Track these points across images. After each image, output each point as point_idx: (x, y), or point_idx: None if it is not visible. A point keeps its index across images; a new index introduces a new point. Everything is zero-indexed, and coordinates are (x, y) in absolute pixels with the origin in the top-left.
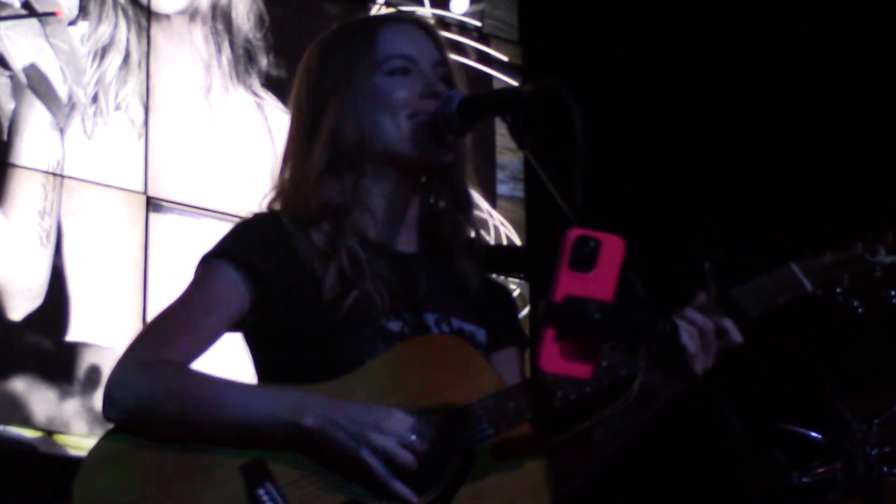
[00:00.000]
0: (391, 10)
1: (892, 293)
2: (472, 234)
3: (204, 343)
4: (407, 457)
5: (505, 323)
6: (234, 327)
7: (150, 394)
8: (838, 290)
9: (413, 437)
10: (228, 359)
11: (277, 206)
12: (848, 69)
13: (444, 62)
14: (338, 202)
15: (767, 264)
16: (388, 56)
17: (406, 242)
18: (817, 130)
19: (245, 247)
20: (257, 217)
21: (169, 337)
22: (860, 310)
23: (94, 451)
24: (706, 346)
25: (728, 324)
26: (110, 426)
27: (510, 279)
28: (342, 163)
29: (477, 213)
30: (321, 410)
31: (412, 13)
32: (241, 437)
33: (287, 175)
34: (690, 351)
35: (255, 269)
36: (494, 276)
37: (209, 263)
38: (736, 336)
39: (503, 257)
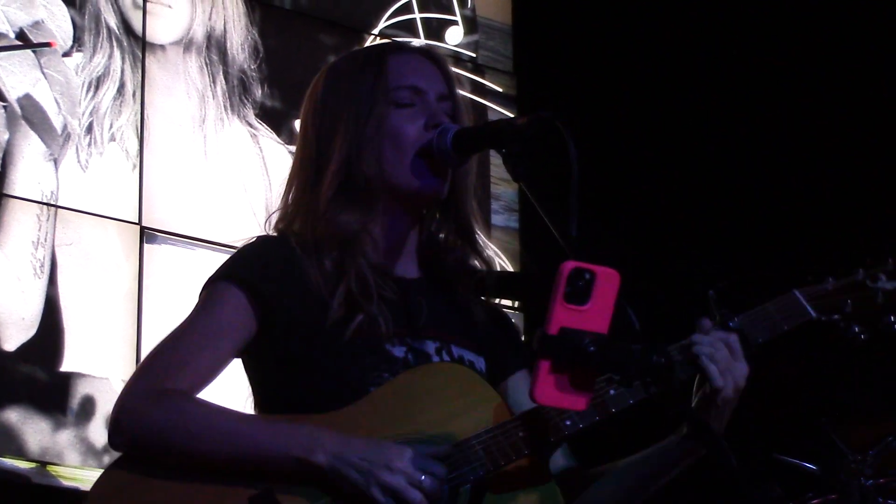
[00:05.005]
0: (386, 41)
1: (894, 319)
2: (474, 263)
3: (212, 369)
4: (416, 495)
5: (509, 349)
6: (241, 353)
7: (158, 424)
8: (843, 316)
9: (422, 477)
10: (226, 384)
11: (282, 227)
12: (845, 90)
13: (451, 95)
14: (349, 231)
15: (770, 291)
16: (397, 86)
17: (406, 269)
18: (816, 156)
19: (251, 269)
20: (263, 239)
21: (177, 364)
22: (862, 336)
23: (101, 481)
24: (733, 357)
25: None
26: (105, 456)
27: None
28: (353, 192)
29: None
30: (332, 447)
31: (427, 45)
32: (250, 470)
33: (294, 199)
34: (716, 369)
35: (261, 292)
36: (492, 300)
37: (215, 286)
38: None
39: (500, 283)
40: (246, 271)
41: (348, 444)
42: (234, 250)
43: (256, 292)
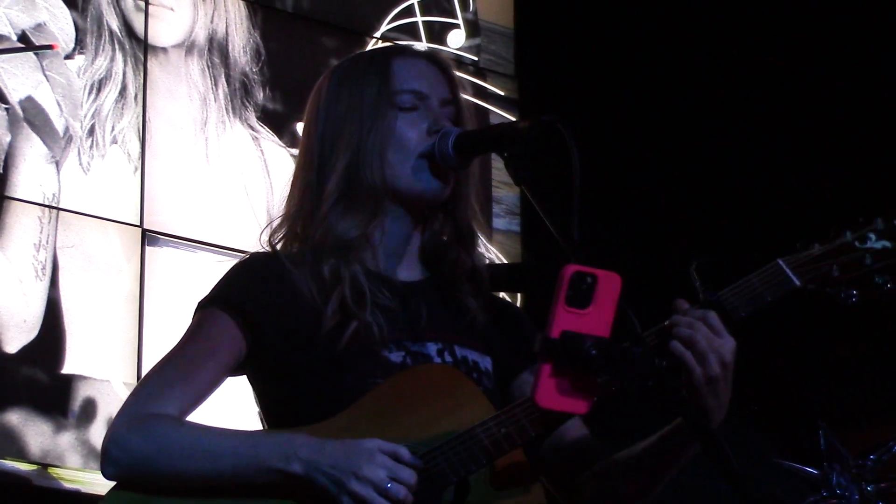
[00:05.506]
0: (388, 44)
1: (885, 279)
2: (476, 266)
3: (201, 393)
4: None
5: (517, 347)
6: (234, 372)
7: (143, 450)
8: (831, 281)
9: (389, 485)
10: (233, 400)
11: (280, 236)
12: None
13: (455, 100)
14: (348, 237)
15: (755, 263)
16: (400, 90)
17: (408, 272)
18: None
19: (240, 291)
20: (254, 257)
21: (164, 390)
22: (854, 299)
23: None
24: (715, 334)
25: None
26: (105, 457)
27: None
28: (355, 196)
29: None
30: (307, 455)
31: (431, 49)
32: (235, 487)
33: (296, 203)
34: (691, 356)
35: (249, 314)
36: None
37: (204, 311)
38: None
39: (497, 275)
40: (234, 294)
41: (321, 451)
42: (236, 253)
43: (244, 314)
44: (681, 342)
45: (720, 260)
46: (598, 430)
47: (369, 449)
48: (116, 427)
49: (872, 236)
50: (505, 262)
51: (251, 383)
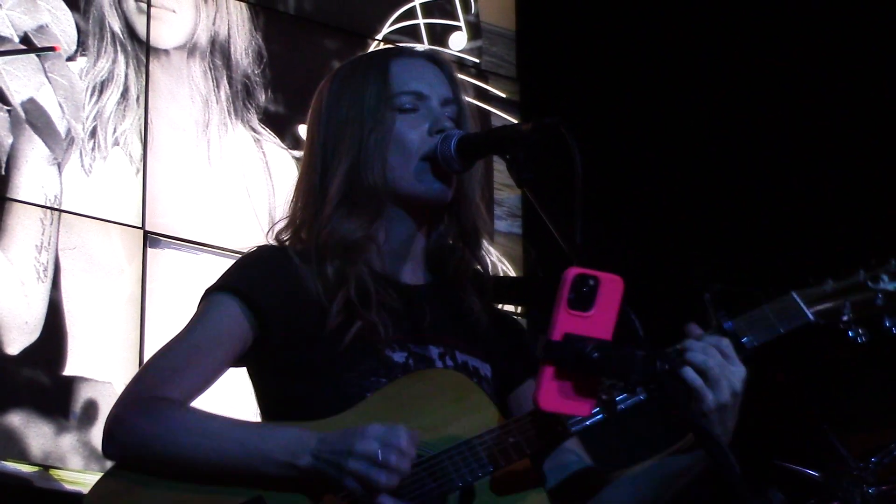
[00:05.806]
0: (390, 46)
1: (894, 322)
2: (480, 268)
3: (206, 379)
4: (381, 477)
5: (517, 357)
6: (237, 362)
7: (148, 433)
8: (843, 318)
9: (381, 456)
10: (232, 393)
11: (286, 236)
12: (844, 91)
13: (455, 100)
14: (352, 239)
15: (769, 293)
16: (399, 92)
17: (412, 275)
18: (819, 158)
19: (248, 280)
20: (262, 249)
21: (170, 374)
22: (862, 339)
23: (95, 490)
24: (728, 361)
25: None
26: (106, 461)
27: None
28: (358, 199)
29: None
30: (312, 448)
31: (433, 49)
32: (239, 476)
33: (299, 207)
34: (702, 383)
35: (257, 302)
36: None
37: (212, 297)
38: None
39: (502, 287)
40: (242, 282)
41: (324, 442)
42: (237, 255)
43: (252, 302)
44: (694, 368)
45: (734, 287)
46: (599, 455)
47: (363, 428)
48: (120, 408)
49: (886, 277)
50: (505, 262)
51: (252, 380)
